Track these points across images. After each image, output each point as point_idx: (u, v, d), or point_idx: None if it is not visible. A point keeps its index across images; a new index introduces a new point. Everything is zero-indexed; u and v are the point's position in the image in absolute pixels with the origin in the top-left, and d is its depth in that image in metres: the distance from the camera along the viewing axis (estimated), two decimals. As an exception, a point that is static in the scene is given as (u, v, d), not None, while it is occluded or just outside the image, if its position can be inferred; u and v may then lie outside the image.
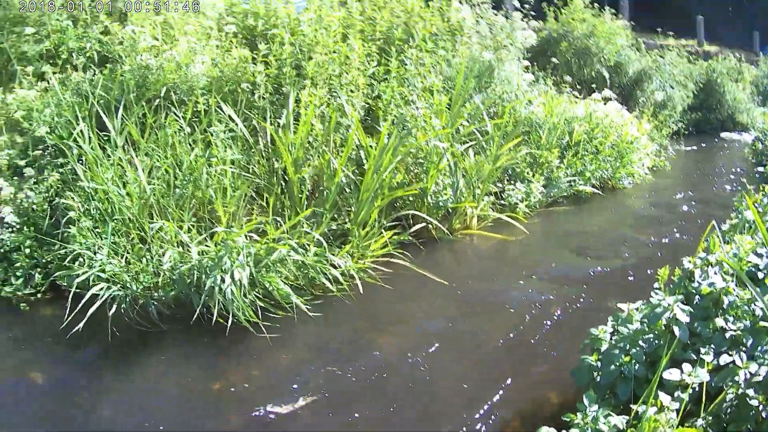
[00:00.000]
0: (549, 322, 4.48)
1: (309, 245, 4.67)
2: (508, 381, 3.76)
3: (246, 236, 4.59)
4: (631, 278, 5.12)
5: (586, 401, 2.76)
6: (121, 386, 4.03)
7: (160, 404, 3.89)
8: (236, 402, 3.78)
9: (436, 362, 4.02)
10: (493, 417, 3.45)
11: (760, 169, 9.26)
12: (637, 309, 3.23)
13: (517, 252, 5.69)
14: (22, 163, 5.23)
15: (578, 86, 9.73)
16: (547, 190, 6.65)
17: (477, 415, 3.45)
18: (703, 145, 12.96)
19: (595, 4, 10.94)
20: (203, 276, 4.28)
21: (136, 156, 4.96)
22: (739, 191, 6.21)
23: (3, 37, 6.22)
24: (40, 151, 5.23)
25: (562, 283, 5.07)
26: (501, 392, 3.67)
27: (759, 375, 2.52)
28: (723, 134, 14.24)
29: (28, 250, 4.92)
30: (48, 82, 5.69)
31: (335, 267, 4.77)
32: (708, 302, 3.03)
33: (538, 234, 6.03)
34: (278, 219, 4.81)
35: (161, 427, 3.55)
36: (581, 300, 4.78)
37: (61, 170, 5.06)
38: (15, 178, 5.18)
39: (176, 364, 4.23)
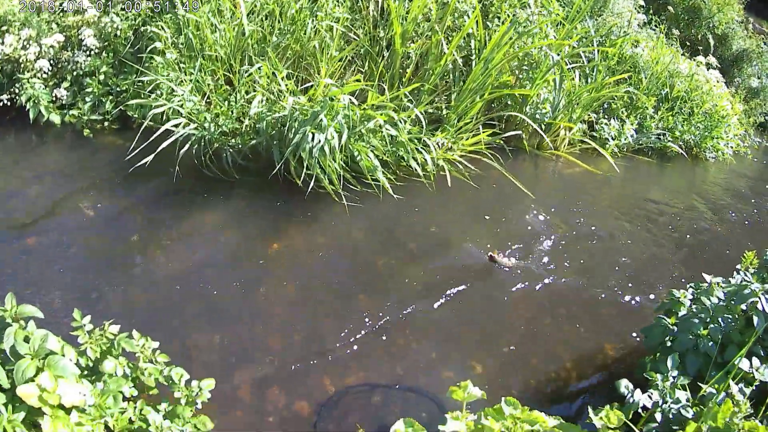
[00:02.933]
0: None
1: (405, 122, 4.71)
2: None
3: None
4: (685, 248, 5.19)
5: (669, 364, 2.80)
6: (177, 233, 3.99)
7: (213, 257, 3.82)
8: (291, 266, 3.80)
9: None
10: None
11: None
12: (718, 284, 3.22)
13: (598, 186, 5.75)
14: (115, -17, 5.25)
15: (686, 44, 9.63)
16: (637, 136, 6.68)
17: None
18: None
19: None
20: (291, 131, 4.23)
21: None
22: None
23: None
24: (137, -26, 5.23)
25: (634, 224, 5.24)
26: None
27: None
28: None
29: (102, 77, 4.96)
30: None
31: (425, 151, 4.78)
32: None
33: (620, 177, 6.06)
34: (382, 85, 4.84)
35: (209, 287, 3.52)
36: (638, 247, 4.93)
37: (156, -1, 5.01)
38: (103, -1, 5.17)
39: (241, 218, 4.21)
